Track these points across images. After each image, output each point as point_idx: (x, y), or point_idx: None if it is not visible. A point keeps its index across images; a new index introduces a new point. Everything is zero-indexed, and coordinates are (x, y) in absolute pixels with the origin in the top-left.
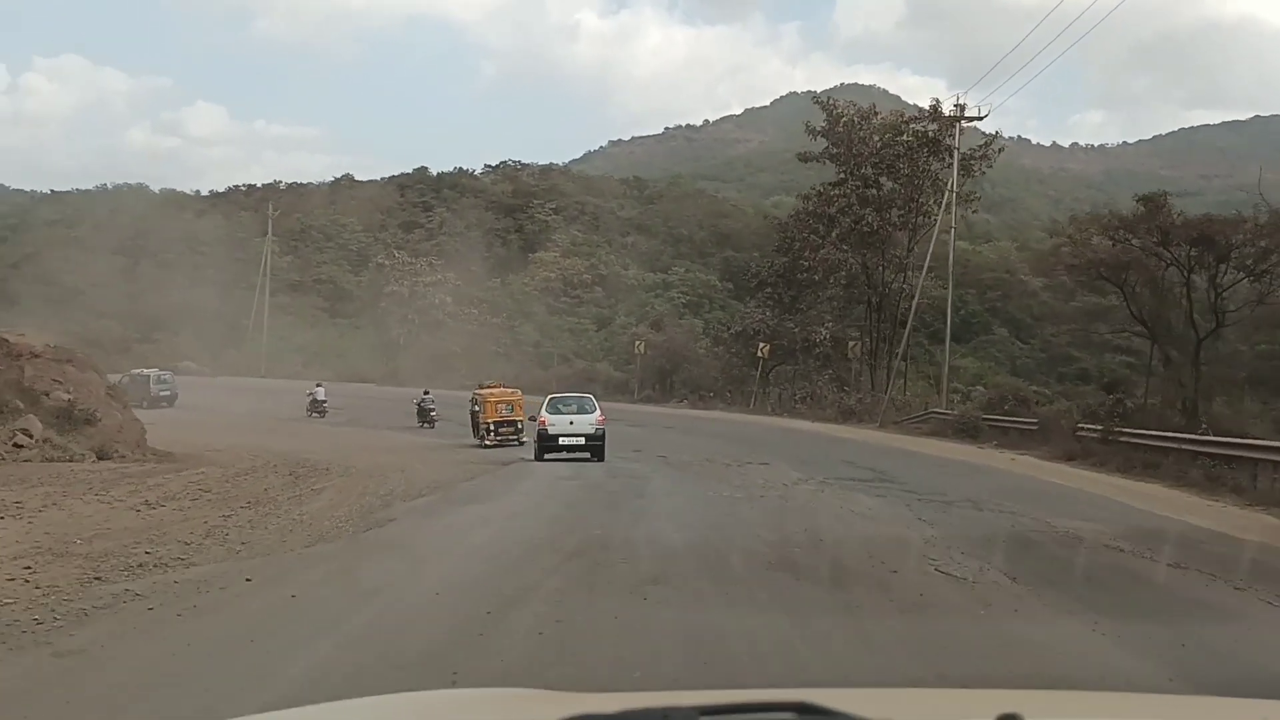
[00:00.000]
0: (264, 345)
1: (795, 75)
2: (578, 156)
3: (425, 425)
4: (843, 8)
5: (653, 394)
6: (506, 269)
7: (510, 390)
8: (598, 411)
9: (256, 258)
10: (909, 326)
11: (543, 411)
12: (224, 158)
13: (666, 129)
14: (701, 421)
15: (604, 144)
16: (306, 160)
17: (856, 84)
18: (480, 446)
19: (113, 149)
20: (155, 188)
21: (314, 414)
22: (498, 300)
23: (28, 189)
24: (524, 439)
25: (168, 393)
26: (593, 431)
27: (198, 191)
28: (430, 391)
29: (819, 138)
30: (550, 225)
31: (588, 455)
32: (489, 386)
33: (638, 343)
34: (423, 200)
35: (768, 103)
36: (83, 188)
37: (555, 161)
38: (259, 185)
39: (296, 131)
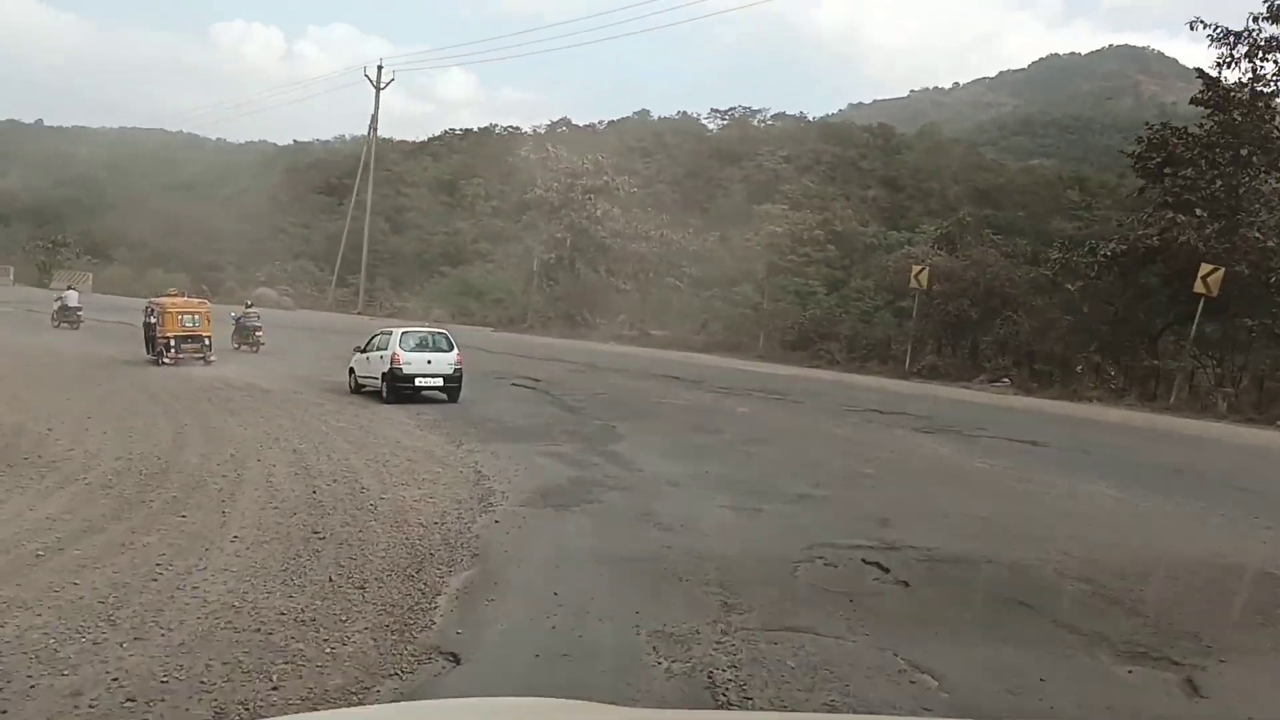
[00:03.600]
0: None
1: (1056, 38)
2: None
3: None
4: None
5: (939, 363)
6: (728, 221)
7: (198, 300)
8: (455, 350)
9: (463, 200)
10: None
11: (395, 347)
12: (471, 122)
13: (912, 92)
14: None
15: (843, 107)
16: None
17: (1128, 45)
18: (156, 364)
19: (366, 115)
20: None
21: (61, 323)
22: (715, 255)
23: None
24: (212, 358)
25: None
26: (450, 372)
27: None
28: (253, 305)
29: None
30: (780, 175)
31: (444, 397)
32: (170, 295)
33: (917, 272)
34: (640, 145)
35: (1024, 65)
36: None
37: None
38: (475, 129)
39: (534, 96)
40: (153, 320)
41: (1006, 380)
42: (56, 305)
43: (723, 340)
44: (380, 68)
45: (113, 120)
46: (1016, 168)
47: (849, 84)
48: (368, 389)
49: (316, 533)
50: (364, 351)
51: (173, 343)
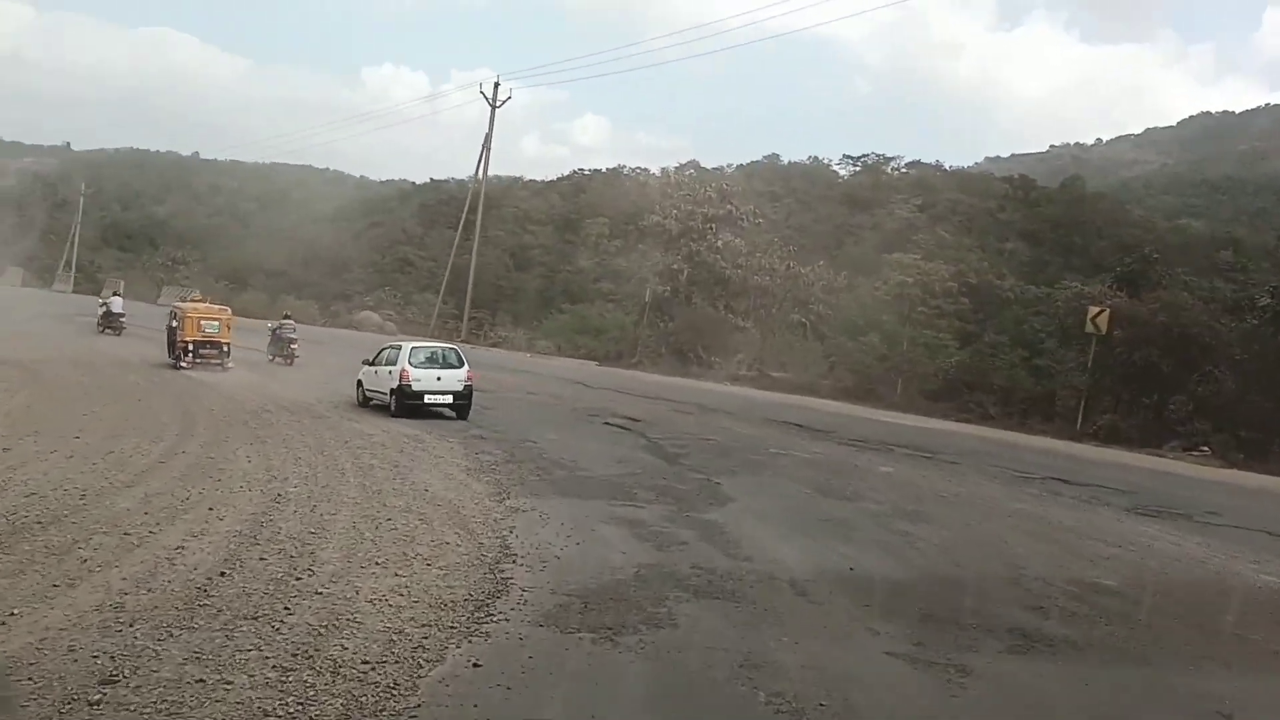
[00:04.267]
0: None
1: (1207, 96)
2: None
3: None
4: (1270, 28)
5: (1119, 423)
6: (856, 269)
7: (220, 307)
8: (466, 366)
9: (587, 239)
10: None
11: (405, 363)
12: (601, 165)
13: (1052, 146)
14: None
15: (979, 160)
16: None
17: None
18: (174, 367)
19: (503, 154)
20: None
21: (105, 329)
22: (842, 303)
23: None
24: (230, 365)
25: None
26: (460, 389)
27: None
28: (290, 317)
29: None
30: (913, 224)
31: (453, 415)
32: (194, 300)
33: (1095, 314)
34: (769, 189)
35: (1173, 123)
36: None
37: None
38: (603, 170)
39: (667, 142)
40: (174, 324)
41: (1205, 448)
42: (101, 311)
43: (853, 386)
44: (497, 85)
45: (264, 156)
46: (1165, 226)
47: (985, 137)
48: (375, 403)
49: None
50: (372, 365)
51: (191, 347)
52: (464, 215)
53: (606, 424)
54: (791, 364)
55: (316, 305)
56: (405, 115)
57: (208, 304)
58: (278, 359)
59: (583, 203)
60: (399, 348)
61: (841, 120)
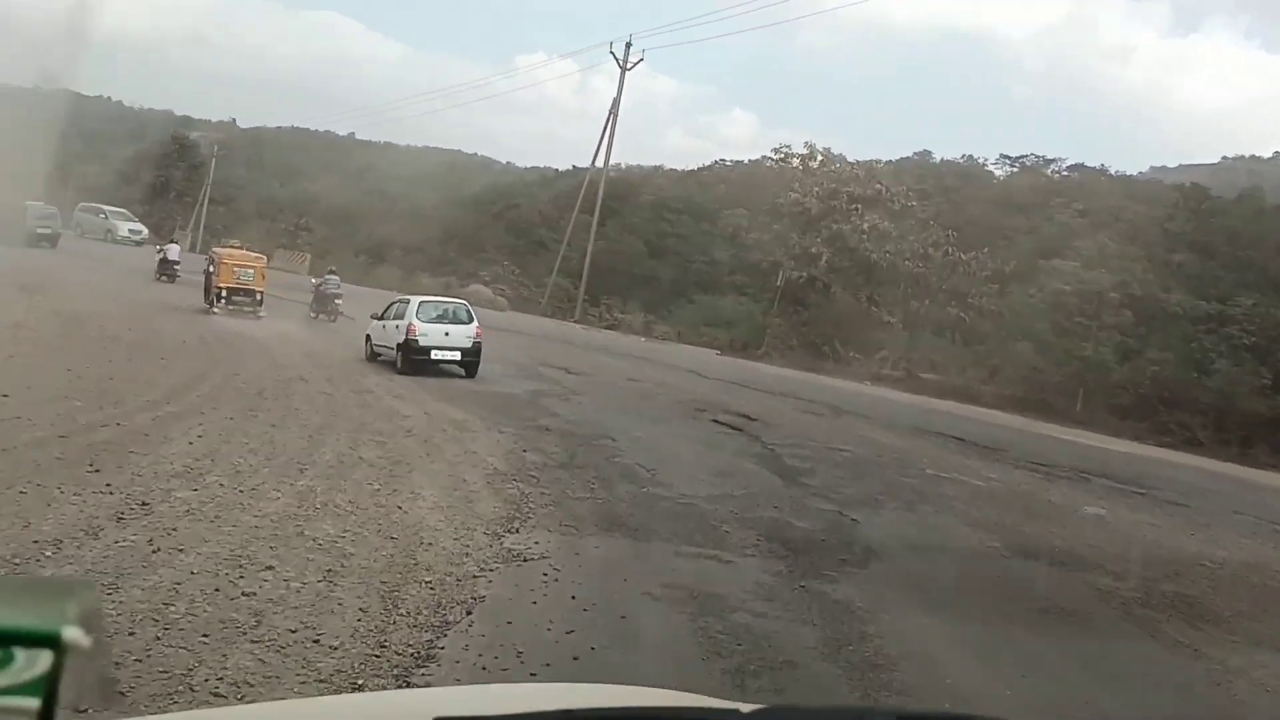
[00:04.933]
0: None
1: None
2: None
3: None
4: None
5: None
6: (1009, 274)
7: (255, 255)
8: (475, 322)
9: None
10: None
11: (412, 318)
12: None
13: (1224, 158)
14: None
15: (1144, 169)
16: None
17: None
18: (208, 312)
19: (645, 146)
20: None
21: (161, 276)
22: (990, 309)
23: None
24: (262, 314)
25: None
26: (469, 345)
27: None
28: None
29: None
30: (1074, 229)
31: (461, 372)
32: (231, 246)
33: None
34: (919, 186)
35: None
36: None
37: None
38: (745, 161)
39: (814, 138)
40: (210, 270)
41: None
42: (159, 258)
43: (1022, 395)
44: (628, 45)
45: (416, 139)
46: None
47: (1151, 145)
48: (383, 359)
49: None
50: (381, 319)
51: (224, 293)
52: (587, 199)
53: (715, 421)
54: (944, 364)
55: (428, 277)
56: (554, 103)
57: (244, 252)
58: (321, 315)
59: (723, 193)
60: (408, 302)
61: (997, 121)
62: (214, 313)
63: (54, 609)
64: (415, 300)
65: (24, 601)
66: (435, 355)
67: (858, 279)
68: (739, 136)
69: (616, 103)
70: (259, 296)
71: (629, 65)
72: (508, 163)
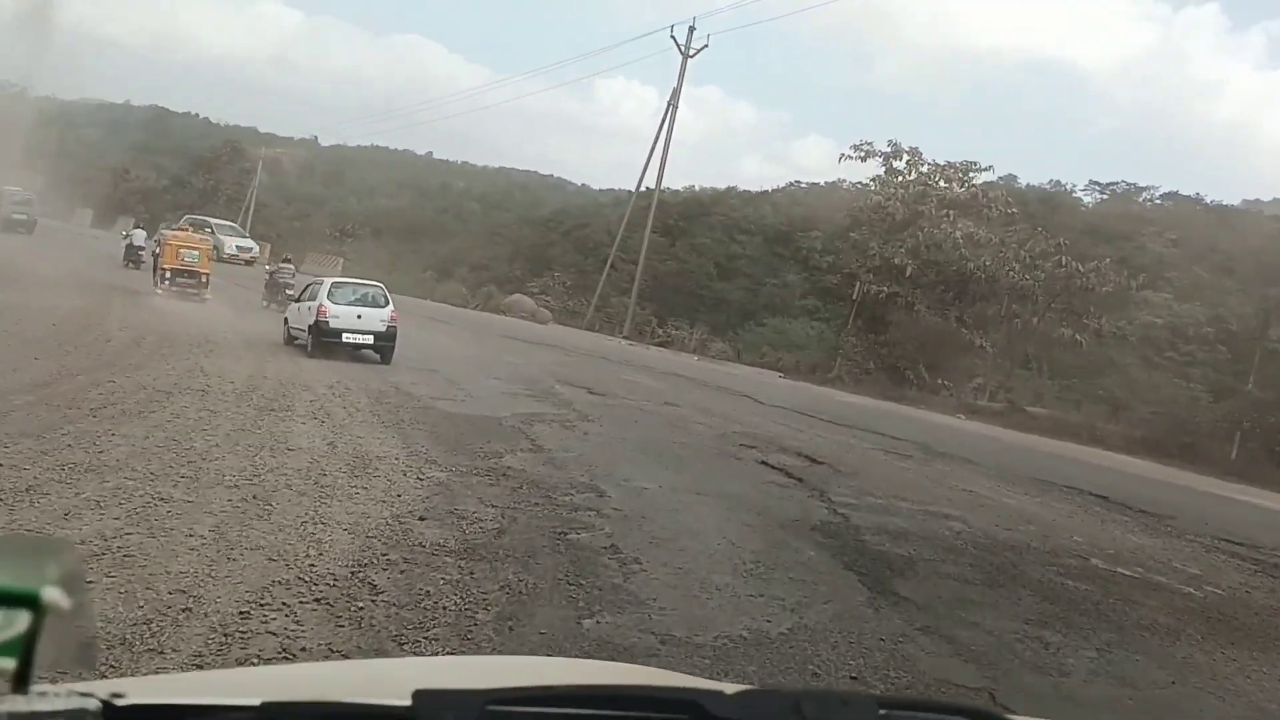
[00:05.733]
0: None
1: None
2: None
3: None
4: None
5: None
6: (1098, 304)
7: (200, 236)
8: (390, 305)
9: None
10: None
11: (323, 298)
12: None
13: None
14: None
15: (1235, 203)
16: None
17: None
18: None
19: (721, 171)
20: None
21: (128, 262)
22: (1113, 330)
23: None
24: (208, 296)
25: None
26: (383, 329)
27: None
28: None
29: None
30: (1165, 260)
31: (377, 357)
32: (179, 229)
33: None
34: (1001, 213)
35: None
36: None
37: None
38: (821, 183)
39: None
40: (156, 252)
41: None
42: (125, 243)
43: (1160, 437)
44: (691, 29)
45: (493, 160)
46: None
47: (1247, 177)
48: (299, 341)
49: None
50: (298, 302)
51: (168, 274)
52: (633, 215)
53: (764, 464)
54: (1052, 396)
55: (465, 287)
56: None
57: (188, 234)
58: (271, 305)
59: (797, 215)
60: (321, 284)
61: (1082, 150)
62: (158, 292)
63: (33, 569)
64: (328, 281)
65: (2, 561)
66: (346, 339)
67: (946, 295)
68: (816, 163)
69: (676, 93)
70: (204, 279)
71: (692, 53)
72: (582, 184)
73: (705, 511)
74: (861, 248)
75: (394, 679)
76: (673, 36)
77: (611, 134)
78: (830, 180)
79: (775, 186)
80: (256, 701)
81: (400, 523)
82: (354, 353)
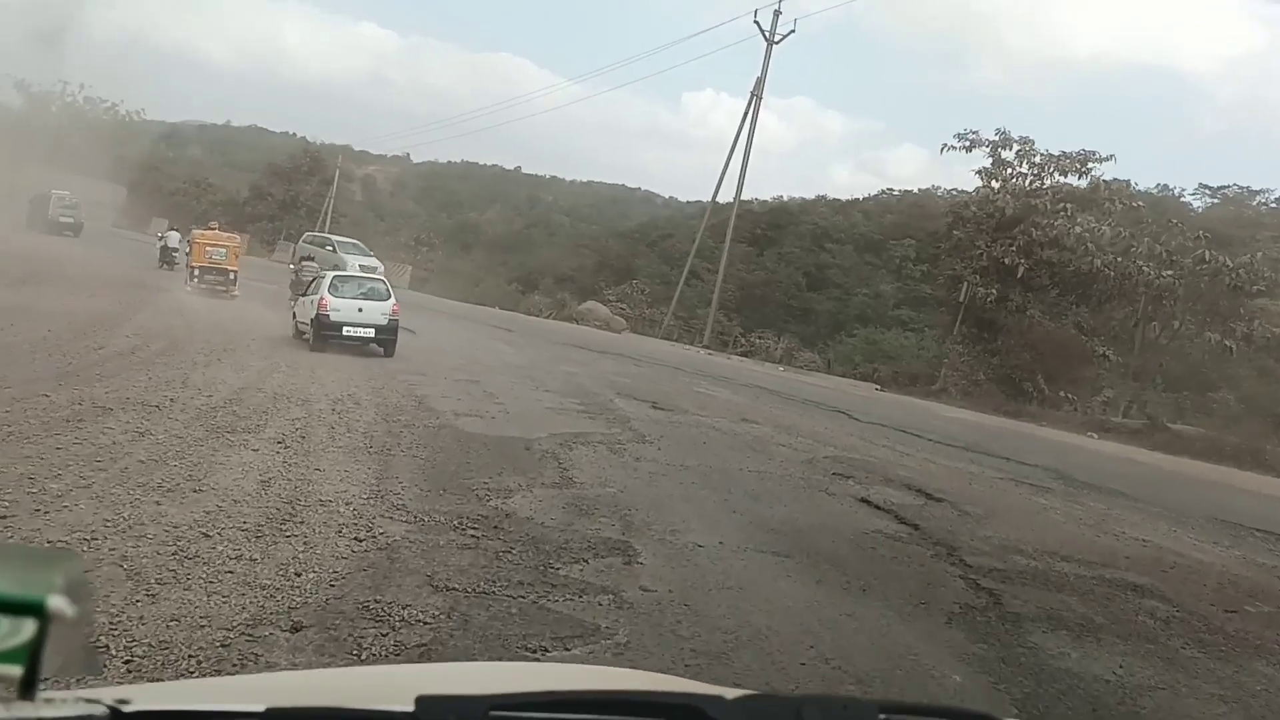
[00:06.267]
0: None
1: None
2: None
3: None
4: None
5: None
6: (1211, 312)
7: (228, 235)
8: (392, 298)
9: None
10: None
11: (324, 291)
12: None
13: None
14: None
15: None
16: None
17: None
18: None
19: (810, 180)
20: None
21: (163, 264)
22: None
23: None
24: (236, 293)
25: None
26: (385, 322)
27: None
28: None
29: None
30: None
31: (381, 351)
32: (209, 228)
33: None
34: (1125, 206)
35: None
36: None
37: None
38: (914, 190)
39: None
40: (186, 251)
41: None
42: (160, 245)
43: None
44: (777, 13)
45: (582, 174)
46: None
47: None
48: (305, 335)
49: None
50: (305, 295)
51: (197, 272)
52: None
53: (865, 501)
54: (1195, 411)
55: (543, 298)
56: (721, 142)
57: (216, 232)
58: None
59: (889, 223)
60: (323, 278)
61: (1188, 154)
62: (187, 290)
63: (38, 577)
64: (329, 275)
65: (8, 569)
66: (347, 332)
67: (1064, 298)
68: (909, 172)
69: (760, 82)
70: (232, 275)
71: (777, 39)
72: (670, 197)
73: (784, 590)
74: (966, 248)
75: (397, 685)
76: (756, 22)
77: (701, 146)
78: (924, 187)
79: (866, 195)
80: (261, 708)
81: (249, 636)
82: (363, 347)
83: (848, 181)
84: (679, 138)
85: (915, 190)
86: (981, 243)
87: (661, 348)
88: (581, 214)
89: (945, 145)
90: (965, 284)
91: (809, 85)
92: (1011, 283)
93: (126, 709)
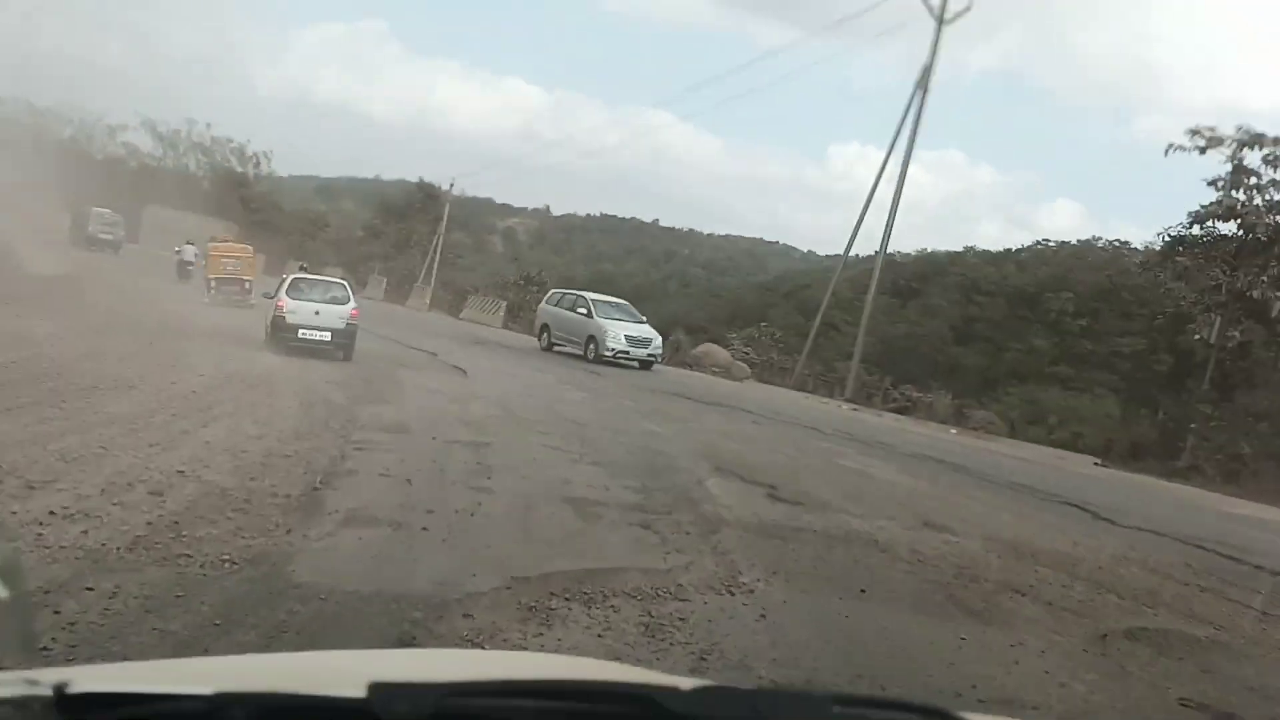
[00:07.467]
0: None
1: None
2: None
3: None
4: None
5: None
6: None
7: (241, 246)
8: (351, 302)
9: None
10: None
11: (281, 293)
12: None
13: None
14: None
15: None
16: None
17: None
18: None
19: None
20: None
21: (180, 277)
22: None
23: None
24: (253, 302)
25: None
26: (343, 326)
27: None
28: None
29: None
30: None
31: (339, 355)
32: (222, 240)
33: None
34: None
35: None
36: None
37: None
38: (1071, 241)
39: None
40: (202, 263)
41: None
42: (177, 259)
43: None
44: None
45: (720, 227)
46: None
47: None
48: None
49: None
50: (269, 298)
51: (213, 283)
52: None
53: None
54: None
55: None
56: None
57: (229, 243)
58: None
59: (1044, 275)
60: (284, 280)
61: None
62: (205, 301)
63: None
64: (289, 277)
65: None
66: (303, 335)
67: None
68: (1062, 227)
69: (928, 70)
70: (248, 285)
71: (949, 18)
72: (808, 250)
73: None
74: (1195, 280)
75: (350, 670)
76: (925, 2)
77: (844, 200)
78: (1083, 238)
79: (1019, 246)
80: (209, 690)
81: None
82: (314, 349)
83: (998, 235)
84: (821, 192)
85: (1074, 241)
86: (1217, 272)
87: (792, 399)
88: (718, 266)
89: (1171, 146)
90: (1199, 327)
91: (959, 138)
92: (1267, 323)
93: (69, 690)
